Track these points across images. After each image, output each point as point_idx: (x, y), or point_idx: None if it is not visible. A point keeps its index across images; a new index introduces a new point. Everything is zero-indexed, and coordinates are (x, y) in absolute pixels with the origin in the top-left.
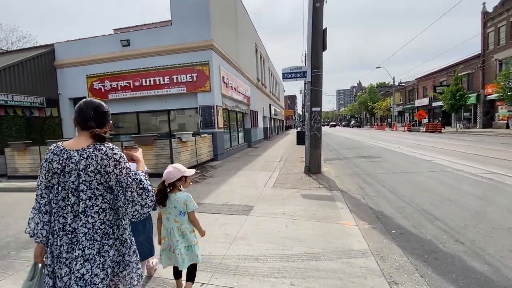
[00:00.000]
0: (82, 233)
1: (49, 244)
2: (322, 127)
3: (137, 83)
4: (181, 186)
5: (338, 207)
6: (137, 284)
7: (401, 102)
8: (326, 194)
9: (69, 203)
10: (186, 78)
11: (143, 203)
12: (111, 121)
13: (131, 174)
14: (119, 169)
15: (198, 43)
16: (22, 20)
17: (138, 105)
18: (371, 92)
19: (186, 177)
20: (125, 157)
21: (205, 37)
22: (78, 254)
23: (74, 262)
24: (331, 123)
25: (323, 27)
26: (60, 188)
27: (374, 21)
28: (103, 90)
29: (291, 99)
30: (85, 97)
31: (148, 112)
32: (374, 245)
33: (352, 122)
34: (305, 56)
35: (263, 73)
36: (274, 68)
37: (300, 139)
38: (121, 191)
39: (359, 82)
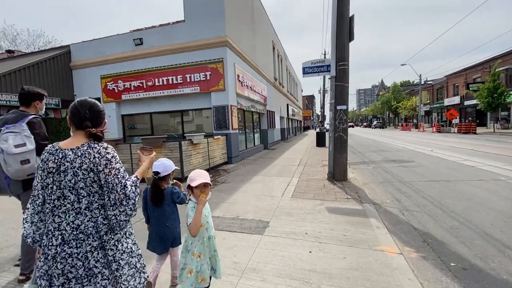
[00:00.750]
0: (84, 230)
1: (42, 246)
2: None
3: (150, 83)
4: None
5: (373, 226)
6: None
7: (428, 101)
8: (357, 208)
9: (69, 201)
10: (200, 77)
11: (121, 209)
12: (106, 120)
13: (119, 176)
14: (109, 169)
15: (212, 39)
16: (44, 26)
17: (152, 105)
18: (395, 91)
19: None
20: (117, 158)
21: (219, 33)
22: (91, 246)
23: (85, 257)
24: (349, 124)
25: (350, 14)
26: (55, 187)
27: (395, 16)
28: (116, 91)
29: (309, 99)
30: (99, 98)
31: (161, 113)
32: (431, 287)
33: (375, 123)
34: (325, 53)
35: (281, 72)
36: (292, 67)
37: (320, 141)
38: (107, 192)
39: (381, 81)
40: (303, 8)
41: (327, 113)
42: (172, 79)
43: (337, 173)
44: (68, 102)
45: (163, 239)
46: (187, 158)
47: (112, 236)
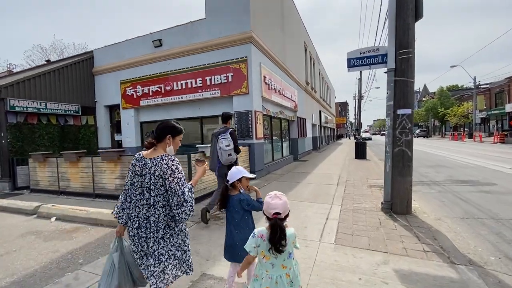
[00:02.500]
0: (152, 220)
1: (128, 225)
2: (375, 136)
3: (168, 87)
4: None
5: None
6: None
7: (485, 107)
8: (449, 276)
9: (145, 197)
10: (221, 79)
11: (182, 209)
12: (173, 136)
13: (179, 184)
14: (173, 177)
15: (235, 36)
16: (89, 40)
17: (170, 112)
18: (442, 96)
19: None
20: (181, 168)
21: (243, 28)
22: (150, 236)
23: (148, 242)
24: (382, 132)
25: None
26: (138, 186)
27: (432, 19)
28: (135, 96)
29: (343, 106)
30: (118, 104)
31: (180, 120)
32: None
33: (418, 131)
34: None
35: (313, 76)
36: (324, 71)
37: (360, 152)
38: (171, 195)
39: (424, 85)
40: (334, 13)
41: (359, 120)
42: (191, 82)
43: (398, 203)
44: (89, 108)
45: (230, 246)
46: None
47: (168, 230)
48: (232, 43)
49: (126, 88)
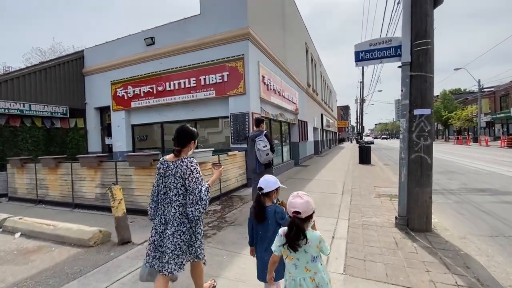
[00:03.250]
0: (169, 217)
1: (154, 222)
2: (376, 140)
3: (160, 88)
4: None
5: None
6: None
7: (490, 111)
8: None
9: (168, 196)
10: (216, 78)
11: (197, 207)
12: (194, 141)
13: (197, 183)
14: (191, 177)
15: (231, 32)
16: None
17: (163, 114)
18: (445, 100)
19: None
20: (199, 169)
21: (239, 24)
22: (173, 231)
23: (166, 237)
24: (382, 136)
25: None
26: (162, 186)
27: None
28: (126, 98)
29: (344, 110)
30: (109, 106)
31: (173, 123)
32: None
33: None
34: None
35: (315, 78)
36: (326, 74)
37: (364, 157)
38: (188, 193)
39: None
40: (334, 19)
41: (361, 123)
42: (184, 82)
43: (415, 218)
44: (79, 110)
45: (265, 263)
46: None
47: (180, 228)
48: (228, 40)
49: (117, 89)
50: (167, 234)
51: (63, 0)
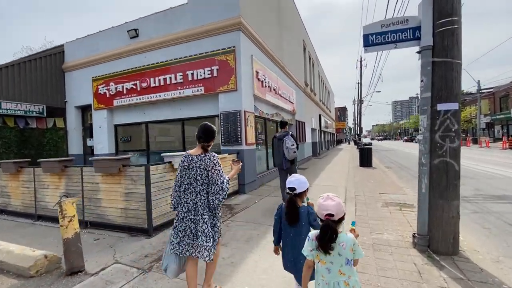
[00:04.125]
0: (199, 205)
1: (177, 211)
2: (375, 142)
3: (144, 84)
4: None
5: None
6: (210, 259)
7: (489, 112)
8: None
9: (193, 187)
10: (204, 73)
11: (217, 196)
12: (214, 137)
13: (220, 174)
14: (214, 169)
15: (221, 22)
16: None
17: (148, 113)
18: None
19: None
20: (220, 163)
21: (230, 13)
22: (200, 218)
23: (197, 222)
24: (377, 137)
25: None
26: (186, 177)
27: None
28: (107, 95)
29: (342, 111)
30: (91, 105)
31: (158, 122)
32: None
33: (418, 137)
34: (361, 59)
35: (312, 77)
36: (324, 74)
37: (365, 159)
38: (211, 183)
39: None
40: (333, 20)
41: (359, 124)
42: (170, 78)
43: (439, 238)
44: (58, 109)
45: (300, 268)
46: (162, 192)
47: (208, 214)
48: (218, 31)
49: (98, 86)
50: (197, 220)
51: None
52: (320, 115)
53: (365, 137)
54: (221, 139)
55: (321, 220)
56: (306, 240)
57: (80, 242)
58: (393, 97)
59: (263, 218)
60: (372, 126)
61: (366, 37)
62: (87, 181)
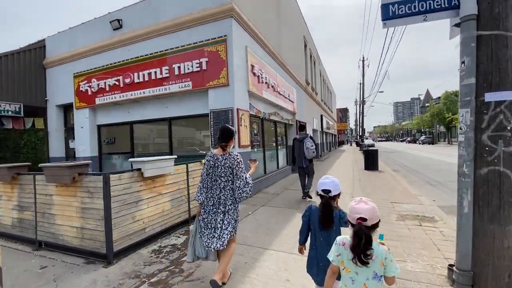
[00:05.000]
0: (223, 199)
1: (203, 204)
2: (378, 143)
3: (127, 80)
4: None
5: None
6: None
7: None
8: None
9: (218, 183)
10: (192, 66)
11: (244, 190)
12: (233, 137)
13: (243, 171)
14: (238, 167)
15: (211, 9)
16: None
17: (132, 112)
18: (448, 101)
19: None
20: (242, 161)
21: None
22: (222, 210)
23: (220, 214)
24: (377, 138)
25: None
26: (212, 175)
27: (435, 26)
28: (89, 93)
29: (343, 112)
30: (72, 104)
31: (143, 122)
32: None
33: (422, 138)
34: (363, 59)
35: (314, 76)
36: (326, 73)
37: (370, 162)
38: (236, 179)
39: (427, 91)
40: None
41: (362, 126)
42: (155, 72)
43: (489, 275)
44: (38, 109)
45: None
46: (126, 208)
47: (231, 207)
48: (208, 18)
49: (80, 83)
50: (219, 212)
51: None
52: (321, 116)
53: (367, 138)
54: (211, 141)
55: (352, 225)
56: (333, 244)
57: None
58: (395, 98)
59: (255, 237)
60: (374, 127)
61: (385, 7)
62: (40, 192)
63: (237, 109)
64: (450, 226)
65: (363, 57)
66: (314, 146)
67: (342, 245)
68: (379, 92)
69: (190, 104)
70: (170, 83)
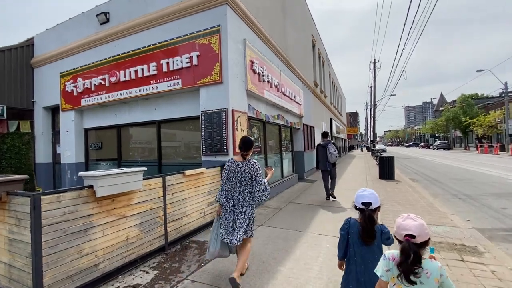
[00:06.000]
0: (241, 201)
1: (223, 205)
2: (389, 148)
3: (113, 78)
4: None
5: None
6: (250, 235)
7: None
8: None
9: (237, 187)
10: (182, 62)
11: (263, 193)
12: (252, 147)
13: (261, 177)
14: (257, 173)
15: None
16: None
17: (119, 114)
18: (464, 105)
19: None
20: (260, 168)
21: None
22: (240, 210)
23: (238, 214)
24: (388, 143)
25: None
26: (232, 179)
27: (445, 29)
28: (75, 93)
29: (353, 116)
30: (58, 105)
31: (132, 125)
32: None
33: (437, 143)
34: (374, 61)
35: (323, 77)
36: (335, 75)
37: (387, 171)
38: (254, 184)
39: (441, 94)
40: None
41: (373, 130)
42: (142, 69)
43: None
44: (23, 111)
45: (368, 285)
46: (71, 241)
47: (248, 208)
48: (200, 6)
49: (66, 83)
50: (238, 212)
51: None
52: (331, 119)
53: (377, 143)
54: (202, 147)
55: (399, 241)
56: (382, 258)
57: None
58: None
59: (249, 277)
60: (384, 131)
61: None
62: None
63: (232, 110)
64: (502, 261)
65: (374, 59)
66: (337, 151)
67: (392, 260)
68: (392, 95)
69: (180, 106)
70: (158, 81)
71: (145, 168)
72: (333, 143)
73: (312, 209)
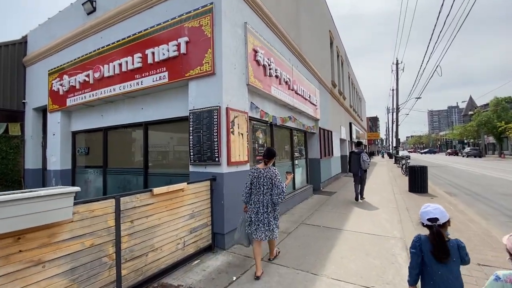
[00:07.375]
0: (265, 203)
1: (251, 206)
2: (413, 154)
3: (97, 74)
4: None
5: None
6: (276, 237)
7: None
8: None
9: (261, 190)
10: (169, 50)
11: (280, 196)
12: (274, 157)
13: (280, 182)
14: (277, 178)
15: None
16: None
17: (106, 115)
18: (498, 109)
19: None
20: (279, 174)
21: None
22: (264, 211)
23: (261, 214)
24: (409, 149)
25: None
26: (256, 183)
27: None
28: (61, 93)
29: (373, 121)
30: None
31: (118, 128)
32: None
33: (468, 150)
34: (397, 62)
35: (341, 78)
36: (354, 77)
37: (418, 183)
38: (274, 187)
39: (470, 97)
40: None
41: (396, 136)
42: (126, 62)
43: None
44: (15, 113)
45: None
46: None
47: (271, 208)
48: None
49: (53, 81)
50: (260, 213)
51: None
52: (350, 123)
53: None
54: (190, 155)
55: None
56: (492, 279)
57: None
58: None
59: None
60: (406, 137)
61: None
62: None
63: (227, 109)
64: None
65: (397, 61)
66: (369, 159)
67: (510, 283)
68: (418, 98)
69: (168, 103)
70: (143, 75)
71: (77, 188)
72: (366, 152)
73: (330, 235)
